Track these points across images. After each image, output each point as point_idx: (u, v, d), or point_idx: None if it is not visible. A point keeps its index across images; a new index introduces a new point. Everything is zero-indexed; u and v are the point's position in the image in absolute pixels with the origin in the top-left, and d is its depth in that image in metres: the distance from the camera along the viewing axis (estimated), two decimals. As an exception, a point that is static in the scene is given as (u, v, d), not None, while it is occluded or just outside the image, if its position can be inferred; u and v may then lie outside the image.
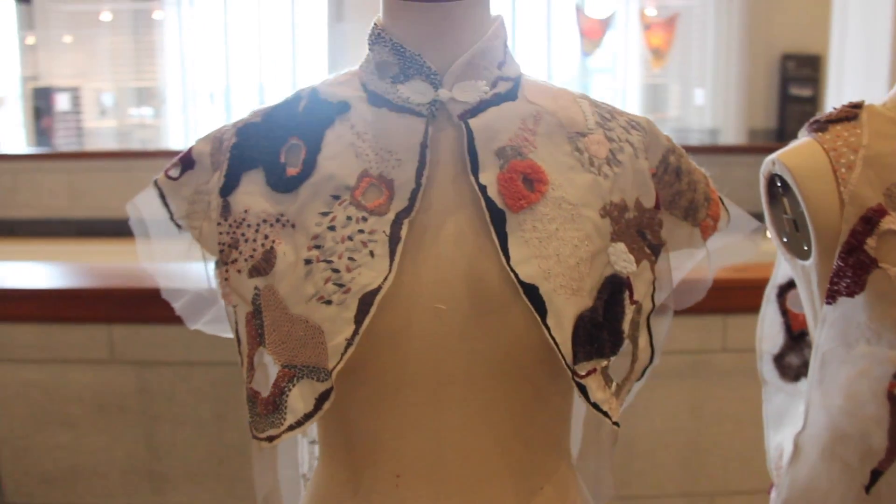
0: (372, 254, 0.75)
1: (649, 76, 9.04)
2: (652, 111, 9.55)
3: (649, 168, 0.86)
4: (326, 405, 0.75)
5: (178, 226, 0.87)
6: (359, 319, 0.73)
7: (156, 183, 0.87)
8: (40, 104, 9.28)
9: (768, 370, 1.07)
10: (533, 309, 0.74)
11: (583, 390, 0.76)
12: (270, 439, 0.77)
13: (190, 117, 10.32)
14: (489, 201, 0.76)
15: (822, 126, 0.90)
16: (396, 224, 0.76)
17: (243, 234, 0.80)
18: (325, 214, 0.78)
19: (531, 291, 0.74)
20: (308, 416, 0.75)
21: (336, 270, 0.75)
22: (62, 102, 9.11)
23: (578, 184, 0.80)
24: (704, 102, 8.87)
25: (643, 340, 0.84)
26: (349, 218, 0.77)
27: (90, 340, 2.21)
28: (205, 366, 2.18)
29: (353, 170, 0.79)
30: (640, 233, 0.83)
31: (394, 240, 0.75)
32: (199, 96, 10.38)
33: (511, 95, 0.82)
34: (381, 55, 0.82)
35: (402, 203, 0.77)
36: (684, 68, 8.75)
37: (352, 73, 0.86)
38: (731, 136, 8.38)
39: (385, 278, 0.74)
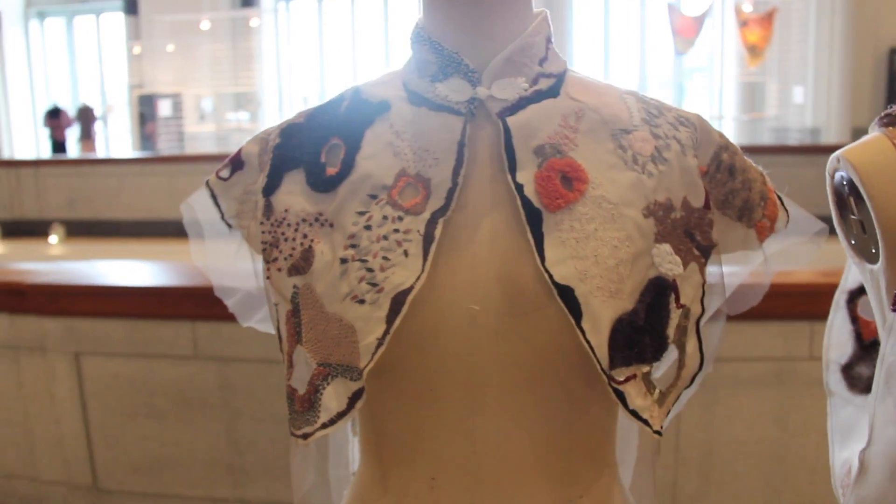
0: (406, 253, 0.74)
1: (745, 74, 8.73)
2: (748, 110, 9.23)
3: (700, 166, 0.82)
4: (359, 404, 0.75)
5: (229, 225, 0.88)
6: (390, 319, 0.73)
7: (207, 183, 0.89)
8: (145, 110, 9.75)
9: (835, 381, 1.01)
10: (567, 311, 0.72)
11: (620, 397, 0.74)
12: (305, 437, 0.77)
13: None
14: (525, 200, 0.75)
15: (894, 120, 0.85)
16: (431, 223, 0.75)
17: (283, 234, 0.80)
18: (361, 214, 0.77)
19: (566, 293, 0.72)
20: (341, 415, 0.75)
21: (370, 270, 0.75)
22: (164, 108, 9.52)
23: (620, 182, 0.77)
24: (804, 101, 8.51)
25: (691, 346, 0.80)
26: (385, 217, 0.76)
27: (176, 336, 2.29)
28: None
29: (390, 169, 0.78)
30: (689, 233, 0.79)
31: (428, 239, 0.75)
32: (295, 100, 10.66)
33: (553, 92, 0.80)
34: (420, 54, 0.81)
35: (438, 202, 0.76)
36: (783, 65, 8.42)
37: (394, 73, 0.86)
38: (834, 135, 8.00)
39: (417, 278, 0.73)
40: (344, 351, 0.75)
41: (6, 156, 10.43)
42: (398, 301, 0.73)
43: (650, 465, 0.86)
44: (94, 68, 12.06)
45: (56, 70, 12.00)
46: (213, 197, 0.88)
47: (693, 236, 0.80)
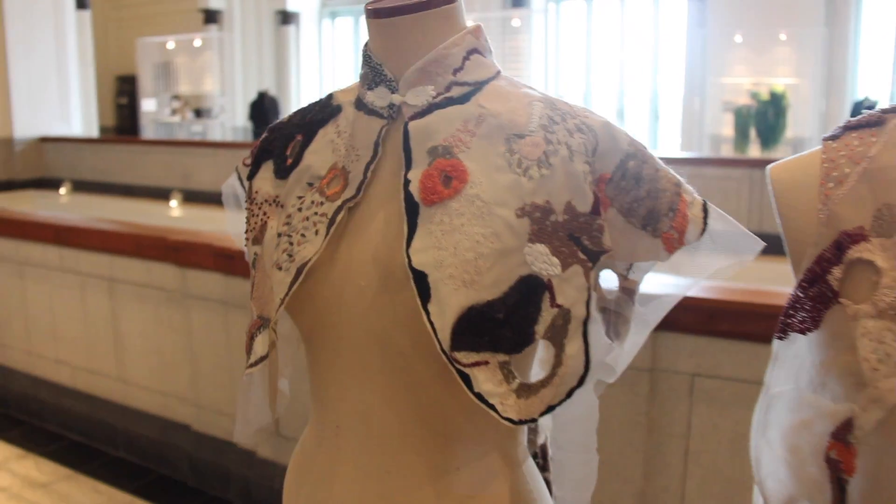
0: (316, 232, 0.88)
1: None
2: None
3: (603, 172, 0.83)
4: (272, 353, 0.90)
5: None
6: (292, 284, 0.86)
7: (236, 169, 1.07)
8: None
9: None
10: (417, 294, 0.79)
11: (465, 379, 0.79)
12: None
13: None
14: (408, 194, 0.83)
15: (838, 132, 0.77)
16: (339, 210, 0.87)
17: (253, 211, 0.97)
18: (299, 198, 0.92)
19: (420, 278, 0.79)
20: (262, 359, 0.91)
21: (291, 243, 0.89)
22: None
23: (499, 183, 0.82)
24: None
25: (573, 348, 0.81)
26: (313, 202, 0.90)
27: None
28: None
29: (326, 162, 0.92)
30: (573, 237, 0.81)
31: (331, 222, 0.87)
32: (563, 100, 10.84)
33: (463, 99, 0.87)
34: (362, 66, 0.94)
35: (350, 192, 0.88)
36: None
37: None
38: None
39: (317, 253, 0.86)
40: (269, 307, 0.90)
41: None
42: (300, 270, 0.86)
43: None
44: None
45: (343, 66, 13.19)
46: (240, 180, 1.06)
47: (579, 240, 0.82)
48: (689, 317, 1.98)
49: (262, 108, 10.60)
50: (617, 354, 0.93)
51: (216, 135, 11.79)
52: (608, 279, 0.92)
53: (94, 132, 9.86)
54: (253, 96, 11.17)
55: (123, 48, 13.06)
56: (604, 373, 0.94)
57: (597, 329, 0.85)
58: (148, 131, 12.03)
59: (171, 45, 12.23)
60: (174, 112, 12.09)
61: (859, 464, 0.67)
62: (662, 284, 0.93)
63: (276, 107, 10.81)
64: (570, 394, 0.82)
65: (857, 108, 9.06)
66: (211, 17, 12.11)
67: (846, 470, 0.68)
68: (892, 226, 0.68)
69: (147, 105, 12.14)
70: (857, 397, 0.66)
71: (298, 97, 12.41)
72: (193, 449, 3.17)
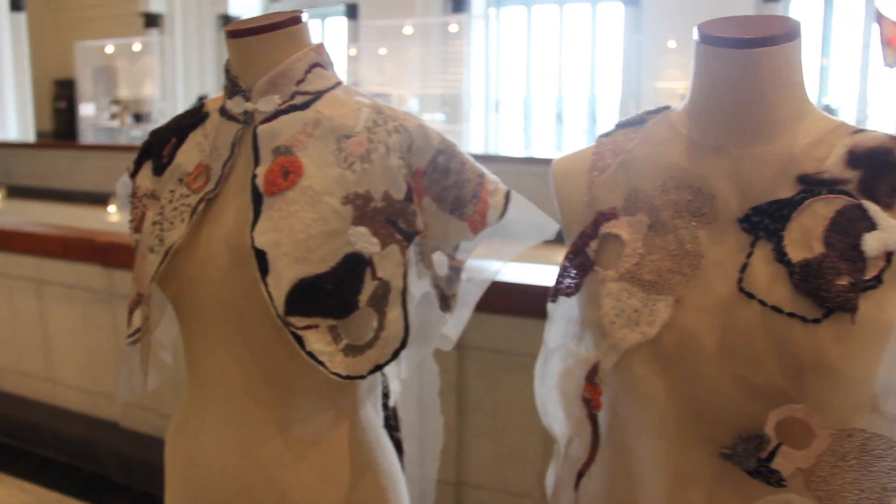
0: (182, 220, 1.02)
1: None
2: None
3: (418, 167, 1.00)
4: (146, 324, 1.04)
5: None
6: (161, 263, 1.01)
7: (127, 168, 1.20)
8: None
9: None
10: (258, 269, 0.94)
11: (298, 339, 0.94)
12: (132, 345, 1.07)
13: (491, 123, 11.03)
14: (254, 187, 0.98)
15: (611, 130, 0.92)
16: (200, 201, 1.02)
17: (135, 204, 1.12)
18: (171, 192, 1.06)
19: (261, 256, 0.94)
20: (138, 331, 1.05)
21: (162, 230, 1.03)
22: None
23: (329, 176, 0.97)
24: None
25: (394, 315, 0.97)
26: (181, 195, 1.05)
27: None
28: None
29: (194, 160, 1.07)
30: (390, 221, 0.97)
31: (193, 212, 1.01)
32: (502, 104, 11.05)
33: (304, 106, 1.02)
34: (225, 79, 1.09)
35: (211, 186, 1.03)
36: None
37: None
38: None
39: (181, 237, 1.01)
40: (144, 285, 1.04)
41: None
42: (168, 252, 1.01)
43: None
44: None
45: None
46: (132, 177, 1.19)
47: (395, 223, 0.97)
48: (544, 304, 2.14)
49: (203, 112, 10.56)
50: (451, 326, 1.08)
51: (157, 140, 11.68)
52: (440, 261, 1.06)
53: (30, 137, 9.75)
54: (193, 101, 11.14)
55: (61, 52, 12.91)
56: (441, 341, 1.09)
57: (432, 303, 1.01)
58: (87, 136, 11.92)
59: (110, 48, 12.13)
60: (113, 117, 12.00)
61: (603, 400, 0.82)
62: (479, 268, 1.09)
63: (217, 111, 10.78)
64: (395, 355, 0.97)
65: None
66: (151, 20, 12.04)
67: (595, 406, 0.83)
68: (637, 206, 0.83)
69: (85, 110, 12.03)
70: (601, 345, 0.80)
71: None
72: (121, 446, 3.24)
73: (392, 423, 1.16)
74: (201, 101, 1.20)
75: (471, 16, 10.48)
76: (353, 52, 10.74)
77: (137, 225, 1.10)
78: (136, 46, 12.02)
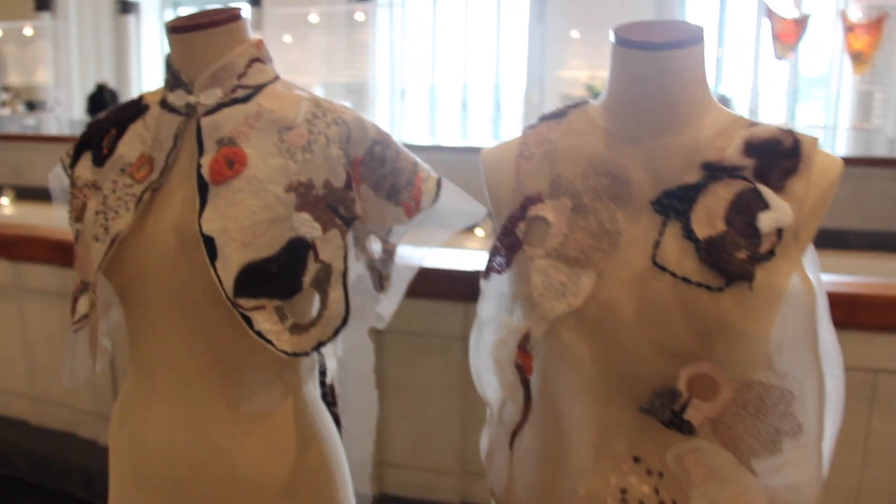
0: (127, 209, 1.05)
1: (859, 83, 8.36)
2: (863, 120, 8.83)
3: (355, 156, 1.07)
4: (93, 312, 1.06)
5: None
6: (107, 252, 1.04)
7: (61, 159, 1.21)
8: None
9: None
10: (206, 254, 0.99)
11: (247, 320, 0.99)
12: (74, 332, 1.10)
13: (396, 112, 11.07)
14: (200, 176, 1.02)
15: (536, 123, 1.01)
16: (145, 190, 1.06)
17: (74, 194, 1.14)
18: (114, 181, 1.09)
19: (209, 241, 0.99)
20: (84, 317, 1.07)
21: (107, 219, 1.06)
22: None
23: (272, 166, 1.03)
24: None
25: (336, 294, 1.04)
26: (125, 185, 1.07)
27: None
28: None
29: (136, 151, 1.09)
30: (331, 207, 1.04)
31: (138, 200, 1.05)
32: (408, 92, 11.09)
33: (245, 99, 1.07)
34: (166, 73, 1.12)
35: (155, 176, 1.06)
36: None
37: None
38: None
39: (127, 226, 1.04)
40: (89, 273, 1.07)
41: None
42: (114, 240, 1.04)
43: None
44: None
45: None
46: (64, 169, 1.21)
47: (336, 209, 1.04)
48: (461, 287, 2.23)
49: (102, 100, 10.22)
50: (385, 305, 1.15)
51: (51, 128, 11.25)
52: (375, 245, 1.14)
53: (-89, 126, 9.20)
54: (91, 88, 10.74)
55: (-58, 35, 12.19)
56: (375, 319, 1.16)
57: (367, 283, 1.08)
58: (-26, 125, 11.33)
59: (-2, 33, 11.55)
60: (4, 104, 11.44)
61: (534, 365, 0.92)
62: (411, 251, 1.18)
63: (117, 99, 10.43)
64: (336, 332, 1.03)
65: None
66: (42, 3, 11.52)
67: (527, 370, 0.92)
68: (560, 191, 0.92)
69: (-29, 97, 11.43)
70: (532, 316, 0.89)
71: (140, 89, 12.03)
72: (31, 444, 3.17)
73: (330, 399, 1.22)
74: (100, 88, 1.23)
75: (376, 4, 10.48)
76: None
77: (78, 215, 1.11)
78: (27, 31, 11.49)
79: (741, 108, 9.84)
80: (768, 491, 0.89)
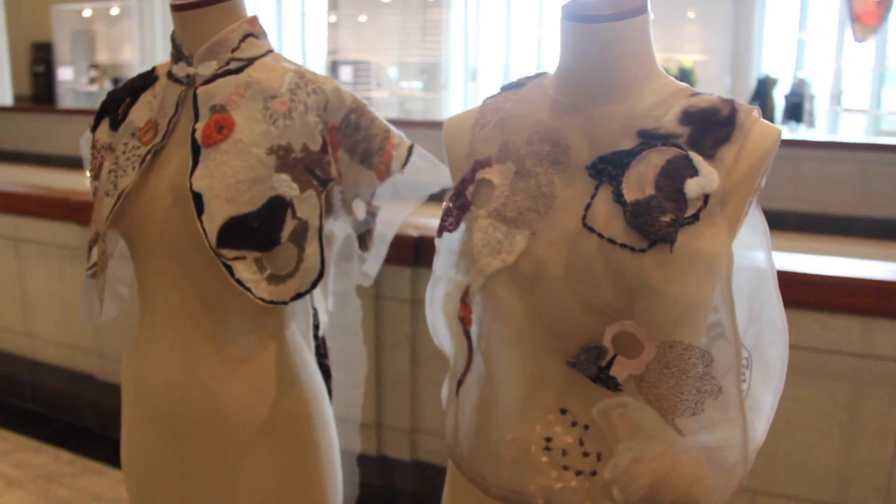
0: (133, 168, 1.18)
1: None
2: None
3: (333, 123, 1.17)
4: (102, 260, 1.19)
5: None
6: (114, 205, 1.16)
7: (90, 125, 1.34)
8: (332, 76, 10.61)
9: None
10: (195, 208, 1.10)
11: (228, 269, 1.11)
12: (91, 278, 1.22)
13: (469, 92, 11.10)
14: (193, 140, 1.14)
15: (496, 93, 1.06)
16: (149, 152, 1.17)
17: (94, 156, 1.27)
18: (125, 144, 1.21)
19: (197, 198, 1.11)
20: (94, 265, 1.20)
21: (116, 177, 1.19)
22: (345, 74, 10.34)
23: (256, 131, 1.14)
24: None
25: (312, 249, 1.15)
26: (133, 147, 1.20)
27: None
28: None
29: (145, 117, 1.22)
30: (308, 169, 1.14)
31: (142, 160, 1.17)
32: (480, 72, 11.11)
33: (238, 71, 1.18)
34: (172, 47, 1.23)
35: (158, 139, 1.19)
36: None
37: None
38: None
39: (131, 182, 1.17)
40: (101, 224, 1.20)
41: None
42: (120, 195, 1.16)
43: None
44: (297, 36, 13.29)
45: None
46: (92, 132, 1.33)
47: (313, 171, 1.14)
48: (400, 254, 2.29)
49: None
50: (370, 264, 1.24)
51: (137, 104, 11.67)
52: (359, 207, 1.23)
53: (7, 100, 9.76)
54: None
55: (38, 15, 12.82)
56: (361, 278, 1.25)
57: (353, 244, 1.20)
58: (66, 100, 11.92)
59: (87, 12, 12.09)
60: (92, 81, 11.99)
61: (473, 317, 0.98)
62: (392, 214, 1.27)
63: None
64: (313, 284, 1.13)
65: (761, 84, 9.57)
66: (129, -16, 11.99)
67: (467, 322, 0.99)
68: (507, 155, 0.98)
69: (64, 74, 12.02)
70: (471, 271, 0.95)
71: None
72: (97, 397, 3.39)
73: (322, 352, 1.32)
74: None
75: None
76: (333, 18, 10.78)
77: (96, 173, 1.25)
78: (115, 10, 11.99)
79: (823, 94, 9.51)
80: (705, 451, 0.93)
